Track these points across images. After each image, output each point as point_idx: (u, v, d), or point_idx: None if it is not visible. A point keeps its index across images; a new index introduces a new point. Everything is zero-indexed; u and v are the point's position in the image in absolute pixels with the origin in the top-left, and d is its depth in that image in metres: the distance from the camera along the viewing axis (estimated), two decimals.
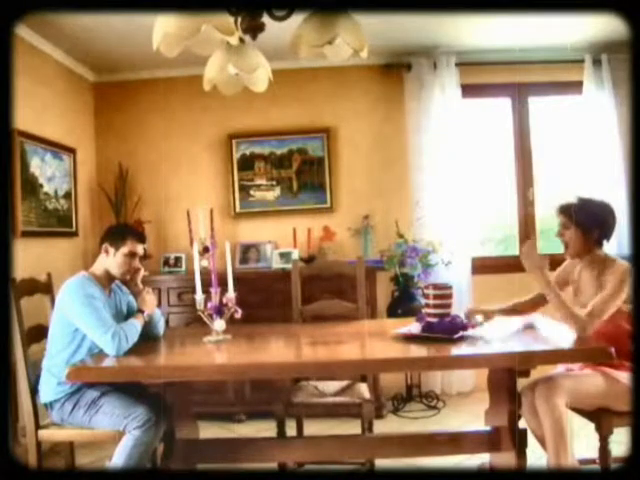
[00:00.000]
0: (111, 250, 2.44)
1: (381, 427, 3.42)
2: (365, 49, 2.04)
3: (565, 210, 2.39)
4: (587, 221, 2.33)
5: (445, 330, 2.20)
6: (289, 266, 3.38)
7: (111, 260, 2.44)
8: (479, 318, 2.41)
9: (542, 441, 2.32)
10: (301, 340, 2.61)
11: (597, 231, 2.33)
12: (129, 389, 2.35)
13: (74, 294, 2.30)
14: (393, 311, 3.85)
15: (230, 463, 2.60)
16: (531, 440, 2.35)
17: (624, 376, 2.16)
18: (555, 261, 2.45)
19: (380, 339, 2.42)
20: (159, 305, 3.80)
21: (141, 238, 2.53)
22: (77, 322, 2.29)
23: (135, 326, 2.34)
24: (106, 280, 2.47)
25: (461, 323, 2.27)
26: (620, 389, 2.14)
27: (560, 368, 2.47)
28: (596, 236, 2.34)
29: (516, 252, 4.39)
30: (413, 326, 2.35)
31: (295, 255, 3.97)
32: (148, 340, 2.46)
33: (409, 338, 2.26)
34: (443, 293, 2.31)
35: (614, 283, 2.21)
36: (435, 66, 4.15)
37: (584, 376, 2.23)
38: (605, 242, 2.38)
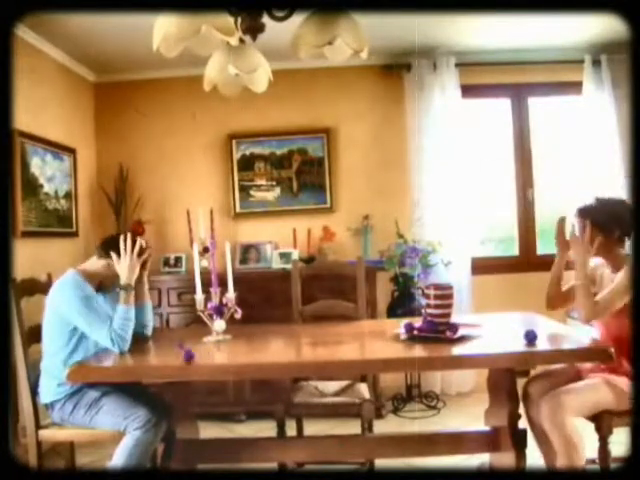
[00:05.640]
0: (114, 258, 2.38)
1: (381, 427, 3.42)
2: (365, 50, 2.04)
3: (584, 212, 2.33)
4: (607, 221, 2.28)
5: (445, 330, 2.20)
6: (289, 266, 3.38)
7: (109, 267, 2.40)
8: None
9: (546, 453, 2.31)
10: (301, 340, 2.61)
11: (617, 231, 2.29)
12: (129, 389, 2.35)
13: (72, 295, 2.29)
14: (393, 311, 3.85)
15: (230, 463, 2.60)
16: (531, 440, 2.35)
17: (624, 382, 2.15)
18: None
19: (380, 339, 2.42)
20: (159, 305, 3.81)
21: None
22: (78, 323, 2.28)
23: (123, 316, 2.26)
24: (97, 279, 2.44)
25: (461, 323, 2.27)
26: (622, 394, 2.13)
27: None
28: (617, 236, 2.29)
29: (516, 252, 4.40)
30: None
31: (295, 255, 3.97)
32: (136, 333, 2.38)
33: (409, 338, 2.26)
34: (444, 293, 2.30)
35: (623, 277, 2.19)
36: (435, 66, 4.15)
37: (587, 389, 2.19)
38: (627, 240, 2.32)
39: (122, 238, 2.36)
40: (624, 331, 2.19)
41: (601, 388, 2.18)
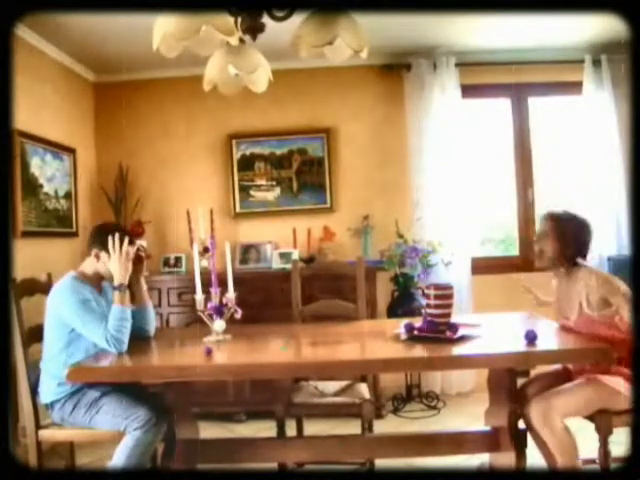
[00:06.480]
0: (103, 255, 2.38)
1: (381, 427, 3.42)
2: (365, 49, 2.04)
3: (554, 218, 2.41)
4: (567, 235, 2.35)
5: (445, 330, 2.20)
6: (289, 266, 3.38)
7: (101, 265, 2.40)
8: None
9: (545, 453, 2.31)
10: (301, 340, 2.61)
11: (573, 247, 2.36)
12: (129, 389, 2.35)
13: (69, 298, 2.29)
14: (393, 311, 3.85)
15: (230, 463, 2.60)
16: (531, 440, 2.35)
17: (615, 381, 2.16)
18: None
19: (380, 339, 2.42)
20: (159, 305, 3.81)
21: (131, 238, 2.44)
22: (75, 325, 2.28)
23: (117, 317, 2.24)
24: (97, 279, 2.45)
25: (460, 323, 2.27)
26: (612, 393, 2.14)
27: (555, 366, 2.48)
28: (570, 252, 2.36)
29: (516, 252, 4.40)
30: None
31: (295, 255, 3.97)
32: (138, 334, 2.41)
33: (409, 338, 2.26)
34: (444, 293, 2.30)
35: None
36: (435, 66, 4.15)
37: (574, 390, 2.21)
38: (580, 259, 2.39)
39: (110, 238, 2.35)
40: (617, 337, 2.20)
41: (587, 388, 2.19)
